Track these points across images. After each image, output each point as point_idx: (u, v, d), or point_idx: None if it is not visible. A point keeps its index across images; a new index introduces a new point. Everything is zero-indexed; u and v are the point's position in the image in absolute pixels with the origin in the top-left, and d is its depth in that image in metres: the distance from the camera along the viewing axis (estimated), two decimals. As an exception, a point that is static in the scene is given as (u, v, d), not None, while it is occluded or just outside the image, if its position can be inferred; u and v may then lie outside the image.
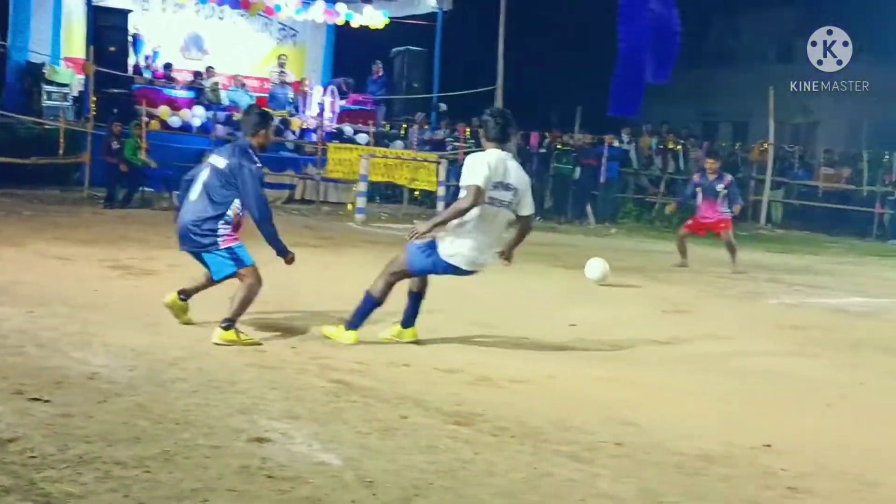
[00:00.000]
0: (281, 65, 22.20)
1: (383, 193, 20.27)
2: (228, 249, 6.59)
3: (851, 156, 24.51)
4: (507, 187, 6.45)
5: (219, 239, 6.58)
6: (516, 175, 6.55)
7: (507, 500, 3.90)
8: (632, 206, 22.24)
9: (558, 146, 21.70)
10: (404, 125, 22.11)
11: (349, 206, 18.16)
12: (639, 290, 10.64)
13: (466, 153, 21.57)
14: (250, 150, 6.70)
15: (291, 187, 19.74)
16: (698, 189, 12.98)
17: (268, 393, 5.24)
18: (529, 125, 21.68)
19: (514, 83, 21.45)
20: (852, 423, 5.52)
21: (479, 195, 6.31)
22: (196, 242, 6.64)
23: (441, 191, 18.29)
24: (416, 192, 20.08)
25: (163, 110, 19.29)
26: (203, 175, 6.72)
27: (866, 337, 8.41)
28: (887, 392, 6.40)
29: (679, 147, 24.65)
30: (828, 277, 13.22)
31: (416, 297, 6.92)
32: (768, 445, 4.84)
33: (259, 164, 6.71)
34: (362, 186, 17.56)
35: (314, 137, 20.36)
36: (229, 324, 6.47)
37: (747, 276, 12.27)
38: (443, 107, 23.10)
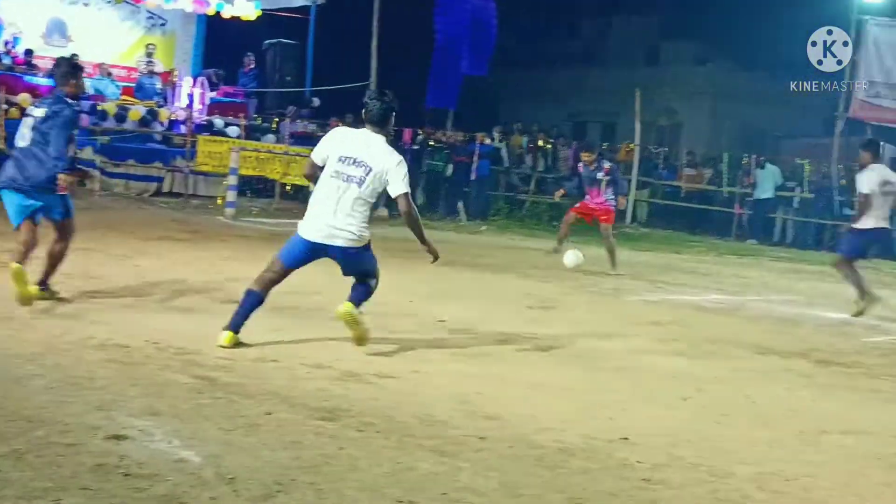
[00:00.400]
0: (149, 54, 21.65)
1: (255, 187, 20.02)
2: (65, 197, 7.21)
3: (712, 157, 25.36)
4: (357, 163, 6.36)
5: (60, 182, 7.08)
6: (373, 154, 6.39)
7: (369, 495, 3.92)
8: (503, 204, 22.51)
9: (431, 143, 21.81)
10: (276, 119, 21.87)
11: (219, 200, 17.88)
12: (507, 286, 10.79)
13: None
14: (66, 99, 7.21)
15: (159, 180, 19.30)
16: (582, 179, 13.14)
17: (128, 389, 5.13)
18: (403, 121, 21.69)
19: (387, 79, 21.43)
20: (707, 416, 5.72)
21: (310, 165, 6.67)
22: (47, 177, 7.00)
23: (313, 186, 18.13)
24: (288, 187, 19.90)
25: (23, 98, 18.54)
26: (27, 124, 7.17)
27: (723, 333, 8.73)
28: (741, 386, 6.64)
29: (549, 146, 25.08)
30: (689, 275, 13.67)
31: (254, 296, 6.57)
32: (626, 438, 4.98)
33: (77, 109, 7.37)
34: (233, 180, 17.30)
35: (183, 129, 19.95)
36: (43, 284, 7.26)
37: (610, 273, 12.52)
38: (316, 101, 22.94)
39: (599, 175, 12.77)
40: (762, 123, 30.48)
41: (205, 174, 19.21)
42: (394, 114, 6.55)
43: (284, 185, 19.73)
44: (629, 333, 8.38)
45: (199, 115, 20.63)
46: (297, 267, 6.65)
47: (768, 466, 4.75)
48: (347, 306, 6.54)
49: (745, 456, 4.90)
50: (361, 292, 6.67)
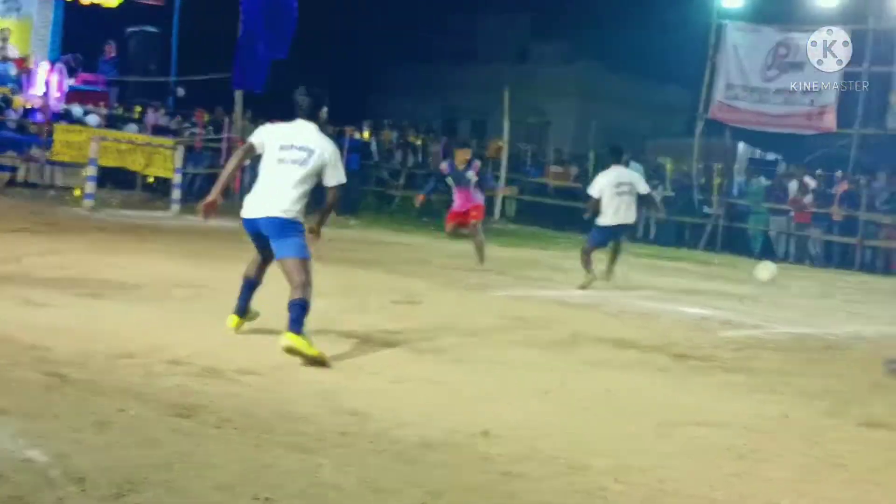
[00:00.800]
0: (3, 39, 20.79)
1: (115, 179, 19.45)
2: None
3: (579, 156, 25.83)
4: (299, 148, 6.63)
5: None
6: (313, 139, 6.70)
7: (224, 493, 3.83)
8: (372, 199, 22.47)
9: (300, 136, 21.56)
10: (138, 108, 21.29)
11: (77, 191, 17.31)
12: (375, 281, 10.75)
13: (205, 140, 21.12)
14: None
15: (13, 170, 18.57)
16: (449, 179, 13.19)
17: (-29, 387, 4.90)
18: (271, 114, 21.44)
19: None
20: (567, 409, 5.79)
21: (244, 149, 6.85)
22: None
23: (177, 178, 17.75)
24: (151, 179, 19.42)
25: None
26: None
27: (585, 327, 8.86)
28: (601, 379, 6.75)
29: (419, 142, 25.14)
30: (554, 271, 13.85)
31: (249, 285, 7.02)
32: (487, 432, 4.99)
33: None
34: (92, 171, 16.78)
35: (39, 117, 19.25)
36: None
37: (478, 269, 12.62)
38: (181, 91, 22.43)
39: (469, 174, 12.89)
40: (627, 123, 31.22)
41: (62, 164, 18.57)
42: (323, 105, 6.85)
43: (146, 176, 19.24)
44: (494, 328, 8.44)
45: (56, 103, 19.93)
46: (262, 247, 6.79)
47: (625, 459, 4.83)
48: (287, 339, 6.20)
49: (603, 448, 4.98)
50: (295, 313, 6.31)
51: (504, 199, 23.58)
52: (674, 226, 22.39)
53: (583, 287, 11.65)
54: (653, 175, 23.29)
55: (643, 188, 12.15)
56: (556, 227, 22.49)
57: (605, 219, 11.81)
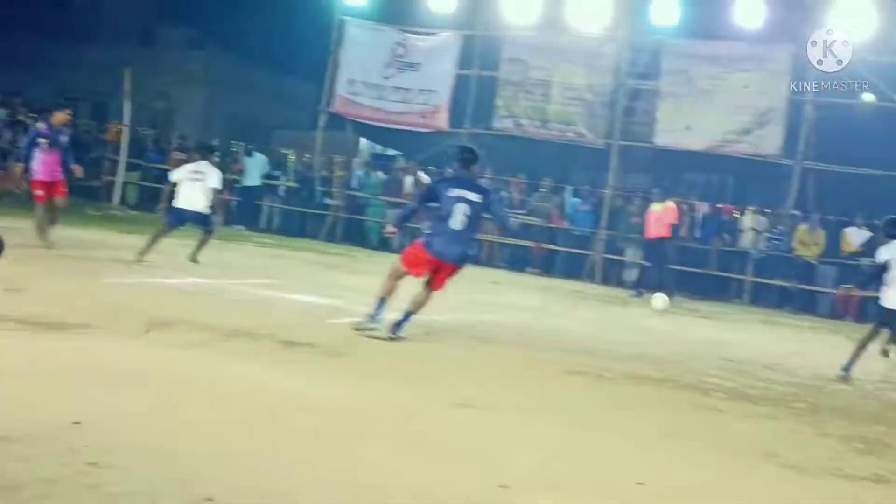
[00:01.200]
0: None
1: None
2: None
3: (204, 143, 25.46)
4: None
5: None
6: None
7: None
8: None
9: None
10: None
11: None
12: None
13: None
14: None
15: None
16: (42, 140, 12.57)
17: None
18: None
19: None
20: (168, 396, 5.69)
21: None
22: None
23: None
24: None
25: None
26: None
27: (196, 315, 8.71)
28: (206, 366, 6.71)
29: (32, 120, 23.64)
30: (171, 258, 13.54)
31: None
32: (77, 423, 4.82)
33: None
34: None
35: None
36: None
37: (88, 255, 12.17)
38: None
39: (63, 139, 12.64)
40: (255, 113, 31.18)
41: None
42: None
43: None
44: (100, 316, 8.09)
45: None
46: None
47: (224, 445, 4.85)
48: None
49: (202, 436, 4.95)
50: None
51: (125, 184, 22.79)
52: (296, 216, 22.74)
53: (137, 261, 12.22)
54: (277, 166, 23.54)
55: (214, 182, 13.03)
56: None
57: (178, 202, 12.93)
